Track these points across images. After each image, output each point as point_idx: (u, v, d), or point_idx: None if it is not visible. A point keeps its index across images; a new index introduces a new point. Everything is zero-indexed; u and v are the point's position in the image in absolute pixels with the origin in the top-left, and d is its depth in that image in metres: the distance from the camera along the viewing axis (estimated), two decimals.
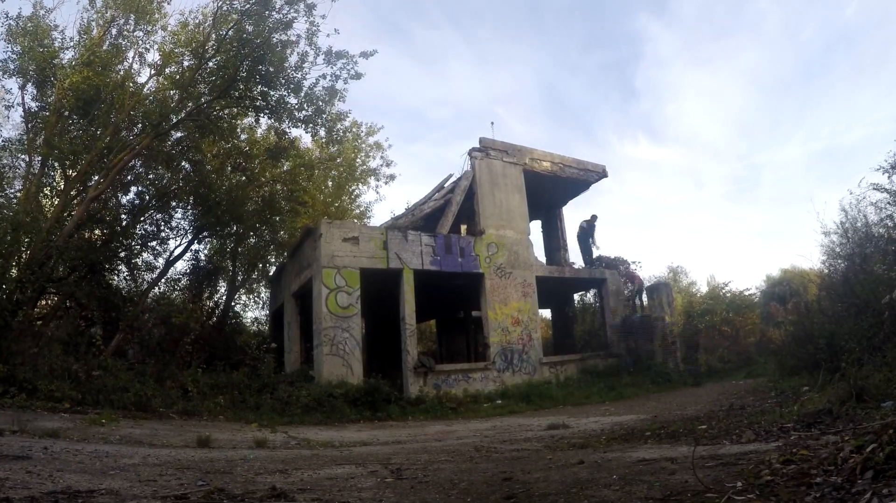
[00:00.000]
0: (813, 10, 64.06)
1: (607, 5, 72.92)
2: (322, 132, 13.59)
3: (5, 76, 12.28)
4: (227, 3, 11.69)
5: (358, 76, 12.32)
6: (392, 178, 20.76)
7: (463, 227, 14.74)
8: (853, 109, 65.15)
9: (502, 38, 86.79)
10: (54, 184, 13.66)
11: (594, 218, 17.67)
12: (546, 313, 20.55)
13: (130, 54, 13.19)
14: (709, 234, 61.33)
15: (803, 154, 67.77)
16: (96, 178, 12.72)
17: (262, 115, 12.77)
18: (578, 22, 77.47)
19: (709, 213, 65.66)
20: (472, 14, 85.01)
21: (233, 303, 18.78)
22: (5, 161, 13.46)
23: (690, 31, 71.16)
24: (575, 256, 18.91)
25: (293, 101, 12.44)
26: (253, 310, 22.32)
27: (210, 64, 12.10)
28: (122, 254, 14.91)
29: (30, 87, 12.67)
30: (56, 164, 12.96)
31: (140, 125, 12.70)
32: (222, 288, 18.69)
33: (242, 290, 19.78)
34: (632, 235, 63.04)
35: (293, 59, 12.19)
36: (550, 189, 17.46)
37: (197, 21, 12.71)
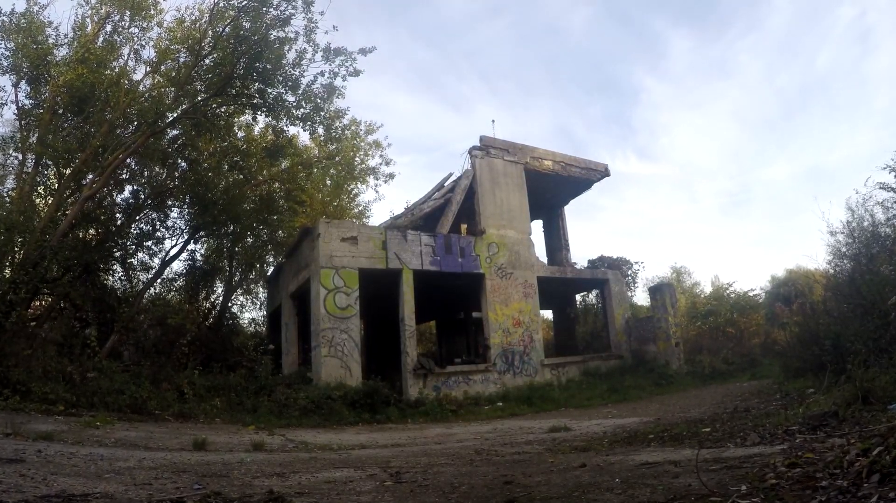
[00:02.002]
0: (787, 60, 74.77)
1: (609, 63, 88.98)
2: (321, 130, 13.42)
3: None
4: None
5: (356, 73, 12.17)
6: (391, 176, 20.50)
7: (463, 227, 14.56)
8: (834, 136, 73.42)
9: (522, 89, 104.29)
10: (48, 182, 13.53)
11: None
12: (548, 314, 20.42)
13: (125, 51, 13.09)
14: (708, 241, 63.87)
15: (791, 172, 74.02)
16: (91, 176, 12.58)
17: (259, 112, 12.61)
18: (585, 76, 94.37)
19: (706, 224, 69.29)
20: (498, 70, 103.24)
21: (230, 304, 18.66)
22: None
23: (681, 82, 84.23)
24: (577, 258, 18.80)
25: (291, 98, 12.30)
26: (250, 311, 22.24)
27: (206, 61, 11.93)
28: (118, 254, 14.73)
29: (23, 85, 12.56)
30: (50, 163, 12.81)
31: (135, 123, 12.56)
32: (219, 288, 18.57)
33: (239, 291, 19.64)
34: (634, 244, 65.43)
35: (291, 55, 12.05)
36: (552, 188, 17.32)
37: (193, 17, 12.56)
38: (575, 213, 55.16)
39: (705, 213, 71.31)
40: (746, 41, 78.36)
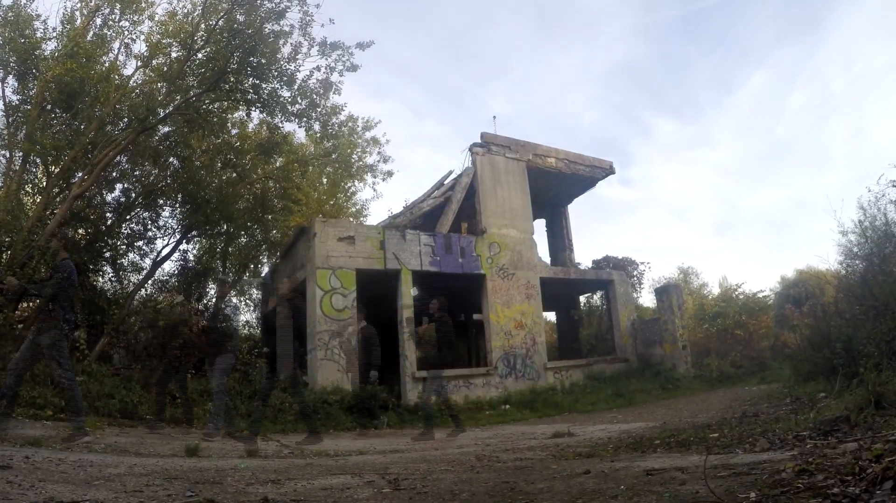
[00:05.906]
0: (751, 130, 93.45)
1: (611, 139, 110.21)
2: (317, 126, 13.11)
3: None
4: None
5: (354, 68, 11.87)
6: (390, 174, 20.13)
7: (463, 226, 14.27)
8: (806, 174, 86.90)
9: None
10: (36, 181, 13.20)
11: None
12: (551, 316, 20.14)
13: (116, 45, 12.68)
14: (706, 254, 67.75)
15: (774, 199, 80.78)
16: (80, 174, 12.23)
17: (253, 108, 12.23)
18: (593, 149, 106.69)
19: (703, 238, 73.53)
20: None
21: (223, 306, 18.20)
22: None
23: (666, 149, 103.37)
24: (581, 261, 18.49)
25: (286, 94, 11.98)
26: (244, 313, 21.78)
27: (199, 55, 11.61)
28: (108, 255, 14.36)
29: (10, 80, 12.21)
30: (38, 160, 12.47)
31: (126, 119, 12.22)
32: (212, 290, 18.15)
33: (233, 292, 19.21)
34: (635, 254, 68.80)
35: (286, 50, 11.74)
36: (555, 186, 17.06)
37: (185, 10, 12.21)
38: (579, 202, 57.40)
39: (700, 232, 77.22)
40: (718, 121, 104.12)
